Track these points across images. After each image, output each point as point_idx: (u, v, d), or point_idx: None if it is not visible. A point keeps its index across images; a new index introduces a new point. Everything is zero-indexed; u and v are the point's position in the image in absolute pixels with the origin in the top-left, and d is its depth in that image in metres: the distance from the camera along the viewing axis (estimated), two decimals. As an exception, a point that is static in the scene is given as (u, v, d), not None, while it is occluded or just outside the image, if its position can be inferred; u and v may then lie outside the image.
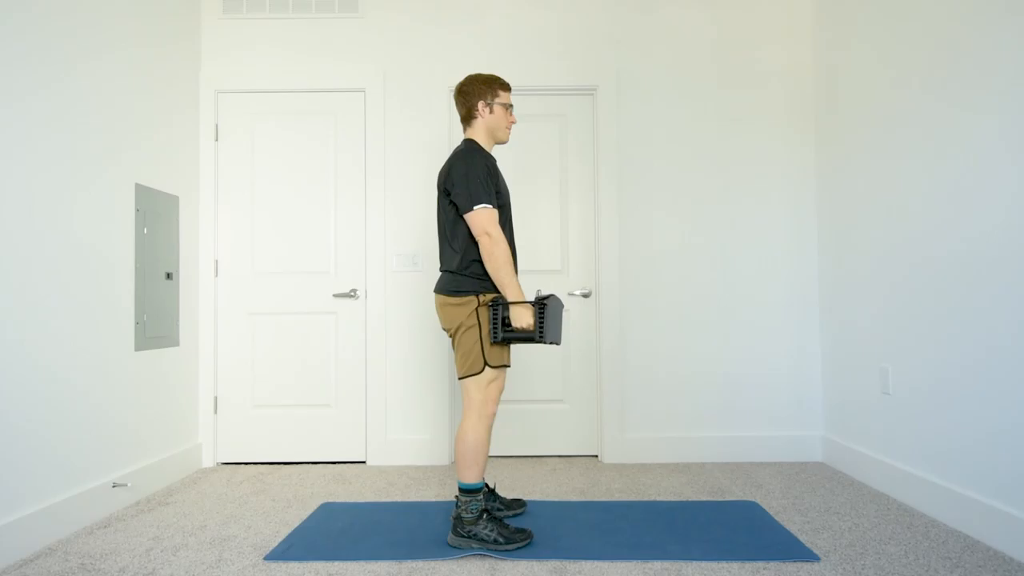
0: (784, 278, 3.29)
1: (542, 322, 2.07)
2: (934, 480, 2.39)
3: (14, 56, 2.12)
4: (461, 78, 3.27)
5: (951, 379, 2.32)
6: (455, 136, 3.36)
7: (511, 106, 2.30)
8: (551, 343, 2.10)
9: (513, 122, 2.31)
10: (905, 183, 2.57)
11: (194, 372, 3.22)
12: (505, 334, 2.08)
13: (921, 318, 2.48)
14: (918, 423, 2.50)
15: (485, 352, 2.11)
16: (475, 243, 2.14)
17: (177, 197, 3.07)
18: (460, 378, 2.16)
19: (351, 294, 3.29)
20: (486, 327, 2.11)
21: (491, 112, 2.26)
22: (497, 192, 2.17)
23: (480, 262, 2.13)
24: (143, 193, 2.79)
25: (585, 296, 3.35)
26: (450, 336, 2.20)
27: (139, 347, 2.74)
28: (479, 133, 2.27)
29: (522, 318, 2.07)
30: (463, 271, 2.15)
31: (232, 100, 3.34)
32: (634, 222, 3.29)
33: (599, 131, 3.30)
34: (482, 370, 2.11)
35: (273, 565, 1.99)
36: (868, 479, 2.80)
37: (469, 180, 2.10)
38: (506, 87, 2.29)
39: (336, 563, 2.00)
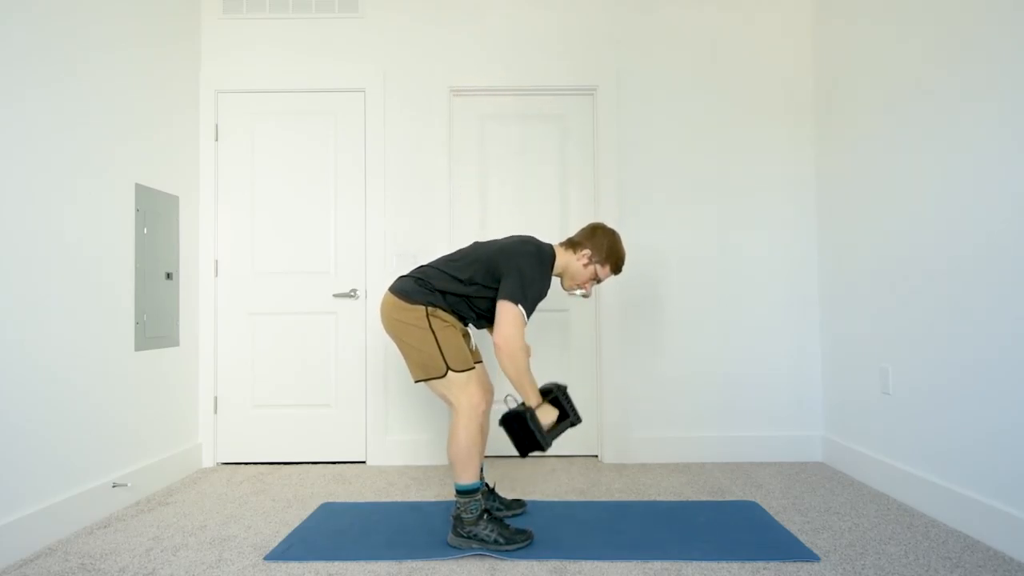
0: (784, 278, 3.29)
1: (573, 408, 2.20)
2: (934, 480, 2.39)
3: (14, 56, 2.12)
4: (461, 78, 3.31)
5: (951, 379, 2.32)
6: (455, 136, 3.36)
7: (599, 281, 2.34)
8: (578, 422, 2.21)
9: (585, 291, 2.35)
10: (905, 182, 2.57)
11: (194, 372, 3.22)
12: (551, 437, 2.10)
13: (921, 318, 2.48)
14: (918, 423, 2.50)
15: (447, 357, 2.09)
16: (460, 291, 2.13)
17: (177, 197, 3.07)
18: (417, 381, 2.15)
19: (351, 294, 3.29)
20: (444, 337, 2.10)
21: (585, 267, 2.28)
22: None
23: (442, 291, 2.13)
24: (143, 193, 2.79)
25: (585, 296, 3.34)
26: (392, 336, 2.17)
27: (139, 347, 2.74)
28: (563, 260, 2.29)
29: (547, 416, 2.10)
30: (423, 285, 2.14)
31: (232, 100, 3.34)
32: (634, 222, 3.29)
33: (599, 131, 3.30)
34: (445, 374, 2.09)
35: (273, 565, 1.99)
36: (868, 479, 2.80)
37: (527, 282, 2.08)
38: (616, 271, 2.33)
39: (336, 563, 2.00)
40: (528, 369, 2.07)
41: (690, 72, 3.32)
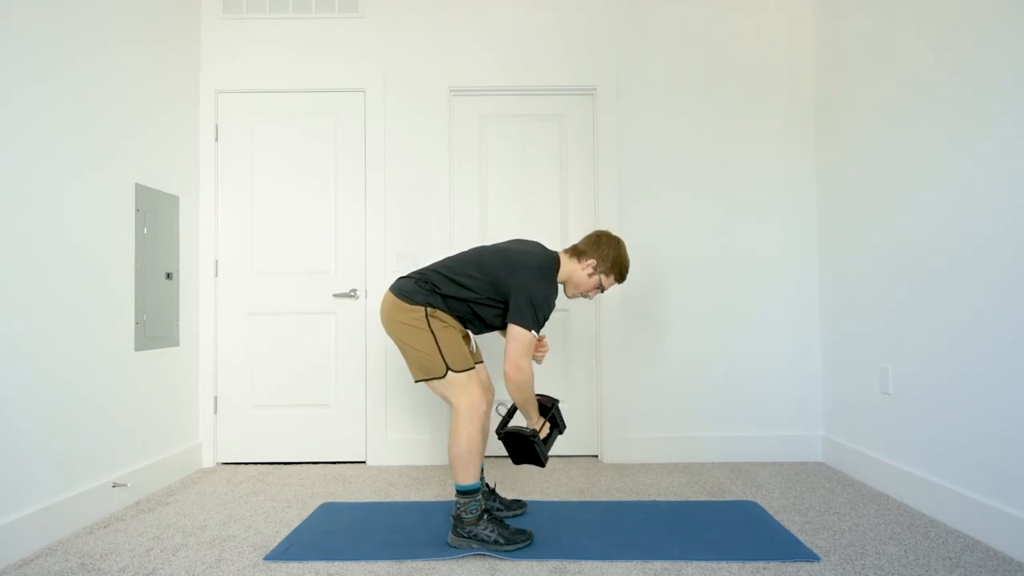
0: (785, 278, 3.29)
1: (562, 420, 2.33)
2: (934, 480, 2.39)
3: (12, 54, 2.12)
4: (461, 78, 3.31)
5: (951, 379, 2.32)
6: (455, 136, 3.36)
7: (603, 290, 2.33)
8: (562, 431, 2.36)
9: (589, 297, 2.35)
10: (906, 183, 2.57)
11: (194, 372, 3.22)
12: (546, 450, 2.25)
13: (921, 318, 2.48)
14: (918, 423, 2.50)
15: (446, 358, 2.09)
16: (463, 295, 2.13)
17: (177, 197, 3.07)
18: (417, 381, 2.16)
19: (351, 294, 3.29)
20: (443, 337, 2.11)
21: (590, 276, 2.27)
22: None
23: (443, 294, 2.13)
24: (143, 193, 2.79)
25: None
26: (391, 337, 2.18)
27: (139, 347, 2.74)
28: (567, 268, 2.28)
29: (544, 433, 2.26)
30: (423, 286, 2.14)
31: (232, 100, 3.34)
32: (634, 222, 3.29)
33: (599, 131, 3.30)
34: (444, 375, 2.09)
35: (273, 565, 1.99)
36: (868, 479, 2.80)
37: (537, 304, 2.09)
38: (620, 280, 2.32)
39: (336, 563, 2.00)
40: (533, 393, 2.17)
41: (690, 71, 3.32)
